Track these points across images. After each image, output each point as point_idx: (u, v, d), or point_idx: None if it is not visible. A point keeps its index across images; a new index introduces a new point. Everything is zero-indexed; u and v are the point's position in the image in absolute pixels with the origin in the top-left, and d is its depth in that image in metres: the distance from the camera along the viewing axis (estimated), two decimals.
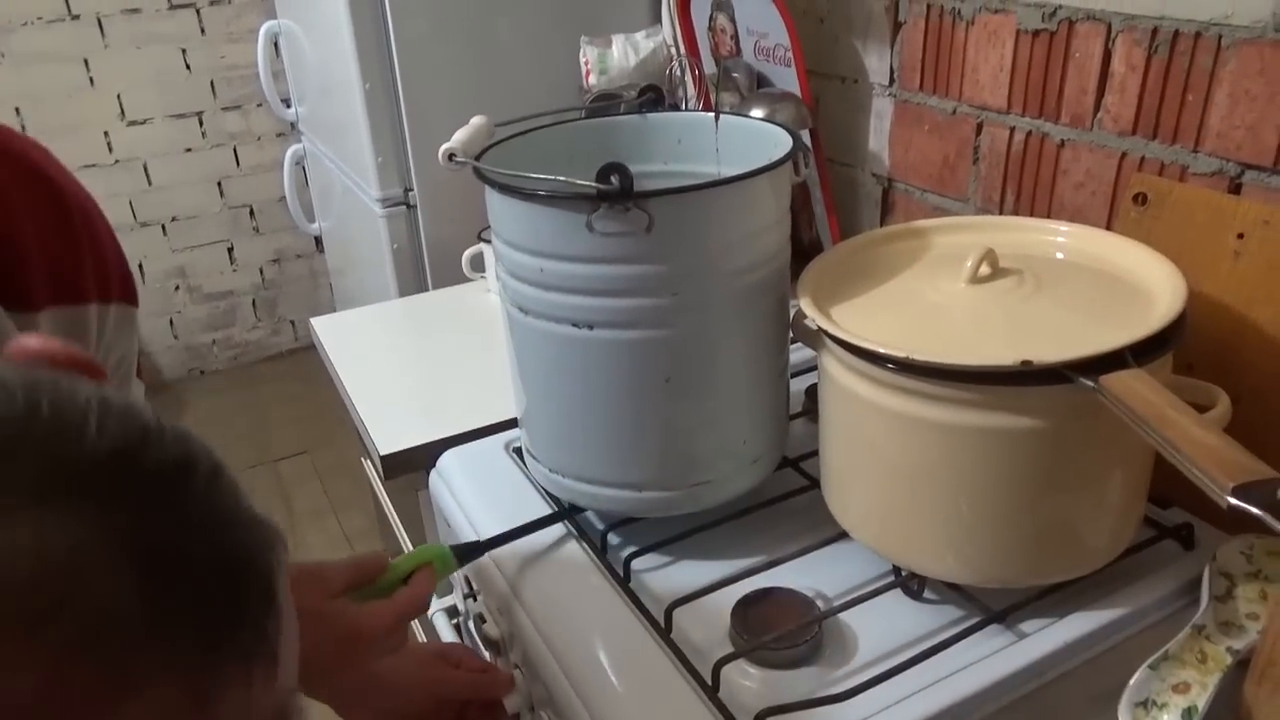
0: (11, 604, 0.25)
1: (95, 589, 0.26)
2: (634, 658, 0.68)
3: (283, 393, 2.95)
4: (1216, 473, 0.50)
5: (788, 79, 1.15)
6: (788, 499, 0.81)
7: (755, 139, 0.80)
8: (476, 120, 0.78)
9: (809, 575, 0.73)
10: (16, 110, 2.61)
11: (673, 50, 1.35)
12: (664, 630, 0.69)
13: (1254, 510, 0.49)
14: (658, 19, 1.46)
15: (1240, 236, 0.74)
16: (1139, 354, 0.58)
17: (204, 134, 2.84)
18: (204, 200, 2.91)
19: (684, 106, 1.28)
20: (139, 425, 0.30)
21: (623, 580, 0.75)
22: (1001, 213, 1.01)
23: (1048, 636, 0.66)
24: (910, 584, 0.71)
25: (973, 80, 1.00)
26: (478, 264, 1.33)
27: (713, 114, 0.84)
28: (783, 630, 0.67)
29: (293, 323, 3.16)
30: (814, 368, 0.74)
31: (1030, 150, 0.96)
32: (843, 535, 0.74)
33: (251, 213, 2.99)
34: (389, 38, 1.34)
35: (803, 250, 1.18)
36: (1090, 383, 0.57)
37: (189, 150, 2.84)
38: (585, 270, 0.68)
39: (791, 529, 0.78)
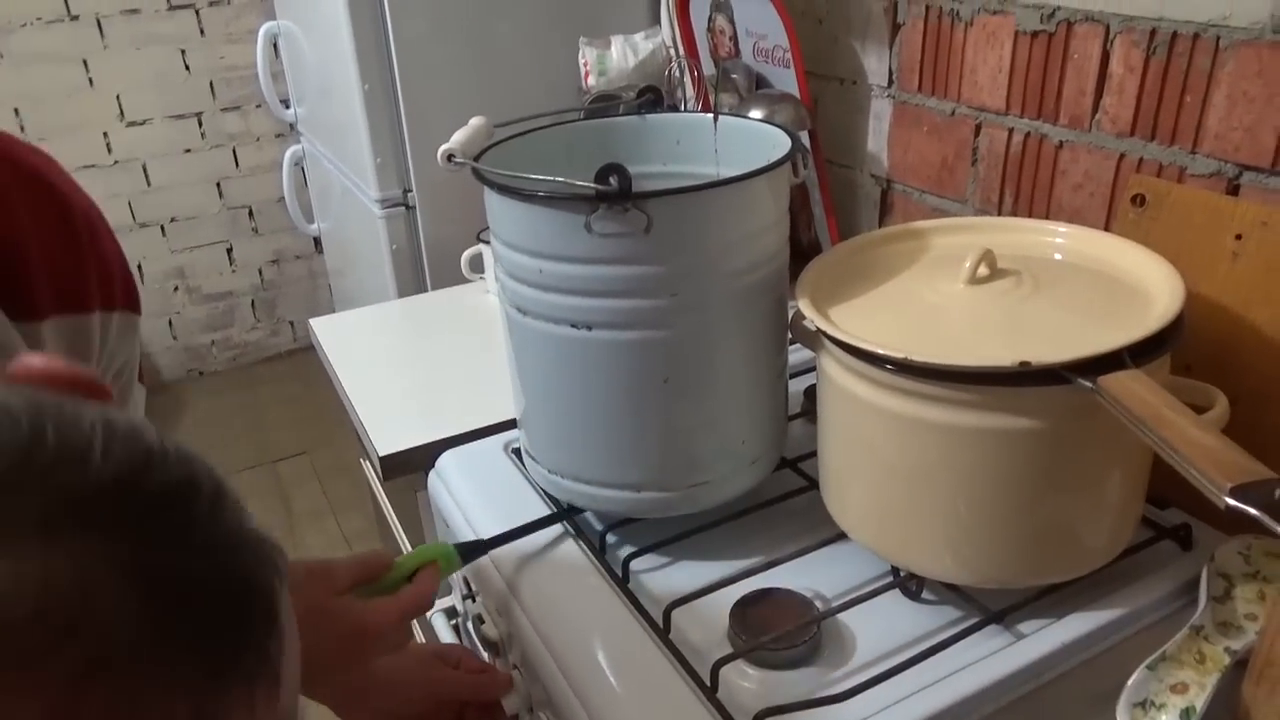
0: (18, 634, 0.25)
1: (101, 617, 0.27)
2: (632, 658, 0.68)
3: (282, 393, 2.95)
4: (1214, 473, 0.50)
5: (786, 80, 1.15)
6: (786, 500, 0.81)
7: (754, 140, 0.80)
8: (475, 121, 0.78)
9: (807, 576, 0.73)
10: (16, 111, 2.61)
11: (672, 51, 1.35)
12: (662, 631, 0.69)
13: (1252, 511, 0.49)
14: (657, 20, 1.46)
15: (1238, 238, 0.74)
16: (1137, 355, 0.58)
17: (203, 135, 2.84)
18: (203, 201, 2.91)
19: (683, 107, 1.28)
20: (143, 448, 0.30)
21: (621, 581, 0.75)
22: (1000, 214, 1.01)
23: (1046, 637, 0.66)
24: (909, 584, 0.71)
25: (971, 81, 1.00)
26: (477, 265, 1.33)
27: (711, 115, 0.84)
28: (781, 631, 0.67)
29: (292, 323, 3.16)
30: (813, 368, 0.74)
31: (1029, 151, 0.96)
32: (841, 536, 0.74)
33: (250, 213, 2.99)
34: (388, 39, 1.34)
35: (801, 251, 1.18)
36: (1088, 383, 0.57)
37: (188, 151, 2.84)
38: (584, 271, 0.68)
39: (790, 530, 0.78)
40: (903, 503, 0.67)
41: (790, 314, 0.76)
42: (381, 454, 0.97)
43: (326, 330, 1.26)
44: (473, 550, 0.76)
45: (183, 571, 0.29)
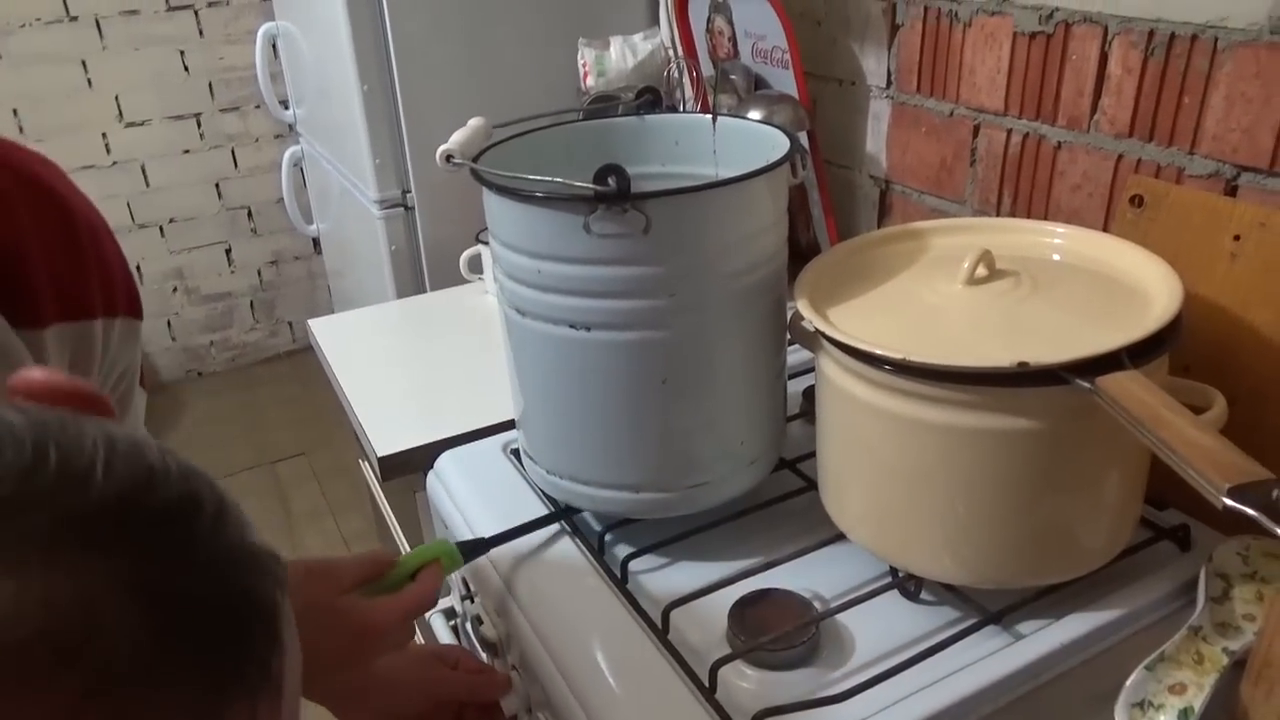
0: (23, 654, 0.25)
1: (104, 637, 0.27)
2: (631, 659, 0.68)
3: (280, 394, 2.95)
4: (1212, 474, 0.50)
5: (785, 81, 1.15)
6: (785, 500, 0.81)
7: (753, 141, 0.80)
8: (474, 122, 0.78)
9: (806, 576, 0.73)
10: (14, 112, 2.61)
11: (670, 52, 1.35)
12: (661, 631, 0.69)
13: (1249, 511, 0.49)
14: (655, 21, 1.46)
15: (1236, 238, 0.74)
16: (1135, 355, 0.58)
17: (202, 135, 2.84)
18: (202, 202, 2.91)
19: (681, 108, 1.28)
20: (145, 466, 0.30)
21: (620, 581, 0.75)
22: (998, 214, 1.02)
23: (1044, 637, 0.66)
24: (907, 585, 0.71)
25: (970, 82, 1.00)
26: (475, 266, 1.33)
27: (710, 116, 0.84)
28: (780, 631, 0.67)
29: (290, 324, 3.16)
30: (811, 369, 0.74)
31: (1027, 152, 0.96)
32: (840, 537, 0.74)
33: (249, 214, 2.99)
34: (387, 39, 1.34)
35: (800, 252, 1.18)
36: (1086, 384, 0.57)
37: (187, 152, 2.84)
38: (582, 272, 0.68)
39: (789, 530, 0.78)
40: (901, 503, 0.67)
41: (789, 315, 0.76)
42: (380, 455, 0.97)
43: (325, 331, 1.26)
44: (474, 548, 0.76)
45: (185, 589, 0.29)
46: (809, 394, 0.92)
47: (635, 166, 0.68)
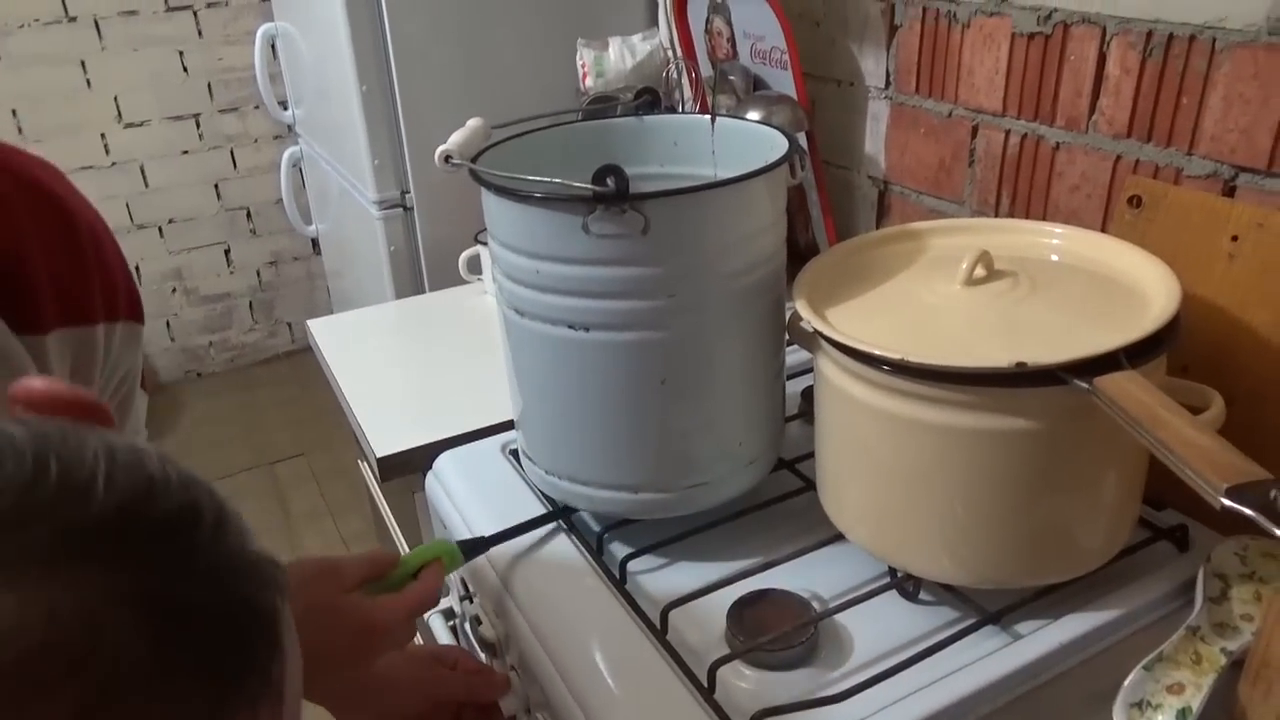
0: (26, 667, 0.26)
1: (106, 648, 0.27)
2: (630, 659, 0.68)
3: (279, 395, 2.95)
4: (1210, 474, 0.50)
5: (784, 82, 1.15)
6: (784, 501, 0.81)
7: (751, 141, 0.80)
8: (473, 122, 0.78)
9: (805, 577, 0.73)
10: (13, 112, 2.61)
11: (669, 53, 1.36)
12: (660, 632, 0.69)
13: (1247, 511, 0.49)
14: (654, 22, 1.46)
15: (1234, 239, 0.74)
16: (1133, 356, 0.58)
17: (201, 136, 2.84)
18: (201, 202, 2.91)
19: (680, 109, 1.28)
20: (145, 476, 0.30)
21: (618, 582, 0.75)
22: (997, 215, 1.02)
23: (1043, 638, 0.66)
24: (905, 585, 0.71)
25: (968, 83, 1.00)
26: (474, 266, 1.33)
27: (709, 116, 0.84)
28: (778, 632, 0.67)
29: (289, 325, 3.16)
30: (810, 369, 0.74)
31: (1025, 153, 0.96)
32: (838, 537, 0.74)
33: (248, 215, 2.99)
34: (386, 40, 1.34)
35: (799, 252, 1.18)
36: (1084, 384, 0.57)
37: (186, 152, 2.84)
38: (581, 272, 0.68)
39: (787, 531, 0.78)
40: (900, 503, 0.68)
41: (788, 315, 0.76)
42: (379, 455, 0.97)
43: (324, 332, 1.26)
44: (475, 547, 0.76)
45: (186, 599, 0.29)
46: (808, 394, 0.92)
47: (634, 167, 0.69)
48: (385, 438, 0.99)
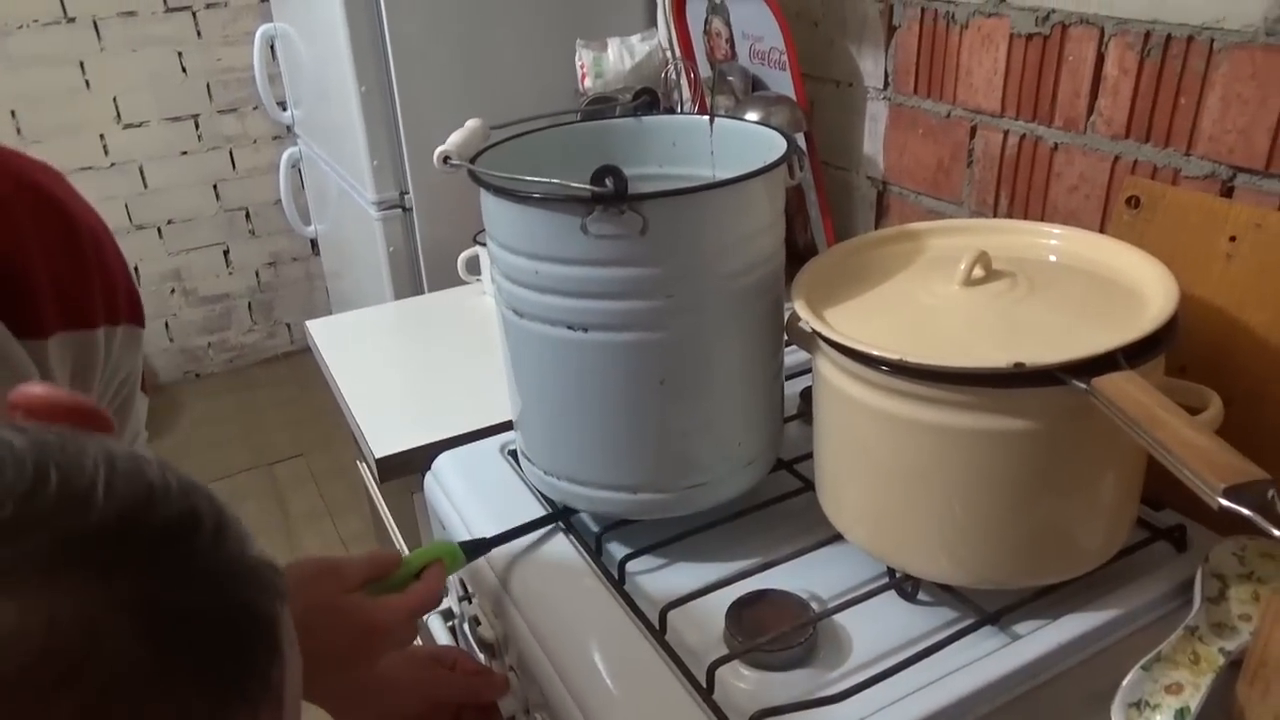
0: (26, 675, 0.26)
1: (106, 655, 0.27)
2: (629, 660, 0.68)
3: (278, 396, 2.95)
4: (1207, 474, 0.50)
5: (783, 82, 1.15)
6: (782, 501, 0.81)
7: (750, 142, 0.80)
8: (472, 123, 0.78)
9: (803, 577, 0.73)
10: (12, 113, 2.61)
11: (668, 54, 1.36)
12: (659, 632, 0.69)
13: (1245, 511, 0.49)
14: (653, 22, 1.46)
15: (1232, 239, 0.74)
16: (1131, 356, 0.58)
17: (200, 137, 2.84)
18: (200, 203, 2.91)
19: (679, 110, 1.28)
20: (145, 484, 0.30)
21: (617, 582, 0.75)
22: (995, 215, 1.02)
23: (1041, 638, 0.66)
24: (904, 586, 0.71)
25: (967, 84, 1.00)
26: (473, 267, 1.33)
27: (708, 117, 0.84)
28: (777, 632, 0.67)
29: (288, 326, 3.16)
30: (809, 370, 0.74)
31: (1024, 153, 0.96)
32: (837, 537, 0.74)
33: (247, 215, 2.99)
34: (384, 41, 1.34)
35: (798, 253, 1.18)
36: (1082, 384, 0.57)
37: (185, 153, 2.84)
38: (580, 273, 0.69)
39: (786, 531, 0.78)
40: (898, 504, 0.68)
41: (786, 315, 0.76)
42: (378, 456, 0.97)
43: (323, 332, 1.26)
44: (476, 548, 0.76)
45: (186, 606, 0.30)
46: (806, 395, 0.92)
47: (633, 168, 0.69)
48: (384, 438, 0.99)
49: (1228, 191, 0.78)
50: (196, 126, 2.83)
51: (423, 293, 1.47)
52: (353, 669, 0.64)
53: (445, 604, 0.94)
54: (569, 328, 0.71)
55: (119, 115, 2.73)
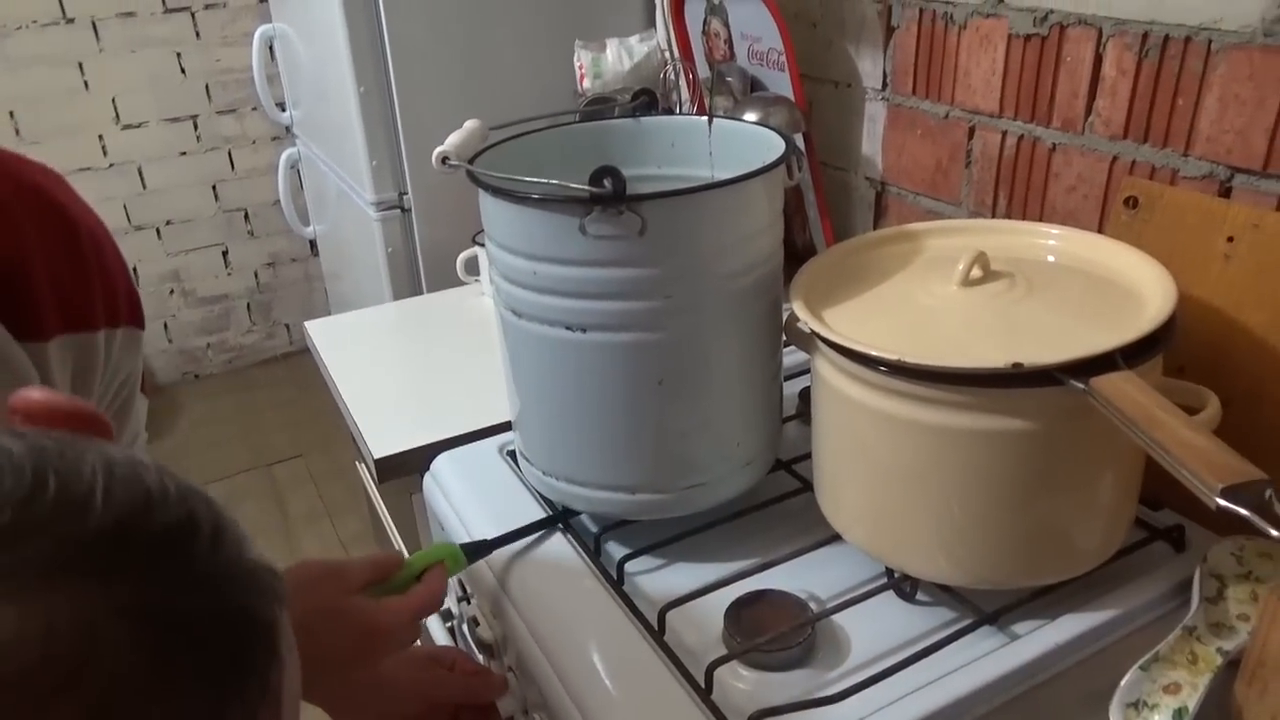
0: (25, 681, 0.26)
1: (105, 661, 0.27)
2: (627, 660, 0.68)
3: (277, 397, 2.95)
4: (1205, 474, 0.50)
5: (781, 83, 1.15)
6: (781, 501, 0.81)
7: (749, 143, 0.80)
8: (470, 124, 0.78)
9: (802, 577, 0.73)
10: (11, 114, 2.61)
11: (667, 54, 1.36)
12: (657, 633, 0.69)
13: (1242, 511, 0.49)
14: (652, 23, 1.46)
15: (1230, 240, 0.74)
16: (1129, 356, 0.58)
17: (199, 137, 2.84)
18: (199, 204, 2.91)
19: (678, 110, 1.28)
20: (143, 490, 0.31)
21: (616, 583, 0.75)
22: (994, 216, 1.02)
23: (1039, 638, 0.66)
24: (903, 586, 0.71)
25: (965, 84, 1.01)
26: (472, 267, 1.33)
27: (706, 118, 0.84)
28: (776, 632, 0.67)
29: (287, 326, 3.16)
30: (807, 370, 0.75)
31: (1022, 154, 0.96)
32: (835, 538, 0.74)
33: (246, 216, 2.99)
34: (383, 41, 1.34)
35: (796, 253, 1.18)
36: (1080, 385, 0.57)
37: (184, 154, 2.84)
38: (578, 273, 0.69)
39: (785, 531, 0.78)
40: (897, 504, 0.68)
41: (785, 316, 0.76)
42: (376, 457, 0.97)
43: (322, 333, 1.26)
44: (478, 550, 0.76)
45: (184, 611, 0.30)
46: (805, 395, 0.92)
47: (631, 168, 0.69)
48: (383, 439, 0.99)
49: (1225, 192, 0.79)
50: (195, 127, 2.83)
51: (421, 293, 1.47)
52: (355, 671, 0.64)
53: (445, 605, 0.94)
54: (567, 328, 0.71)
55: (118, 116, 2.73)
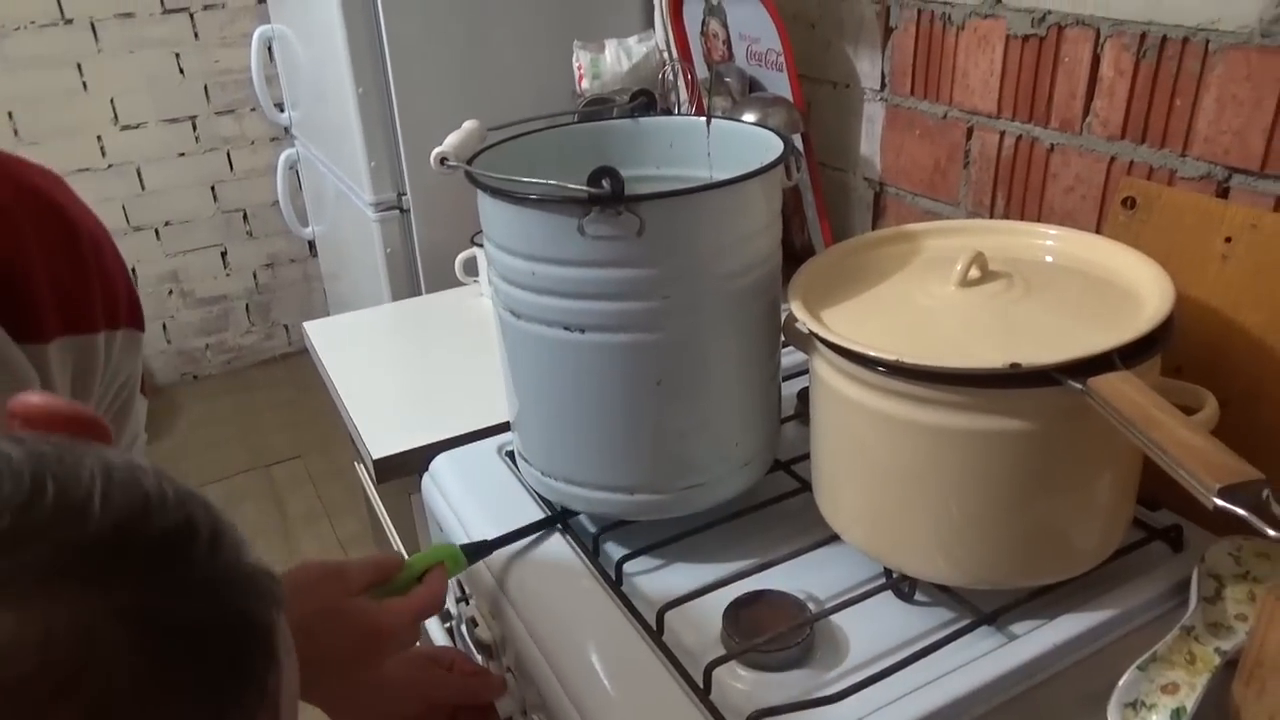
0: (23, 686, 0.26)
1: (103, 667, 0.27)
2: (626, 661, 0.68)
3: (276, 397, 2.95)
4: (1203, 474, 0.50)
5: (780, 84, 1.15)
6: (779, 502, 0.81)
7: (747, 143, 0.80)
8: (469, 124, 0.78)
9: (800, 578, 0.73)
10: (10, 115, 2.60)
11: (665, 55, 1.36)
12: (656, 633, 0.69)
13: (1240, 511, 0.49)
14: (650, 24, 1.46)
15: (1228, 240, 0.74)
16: (1127, 356, 0.58)
17: (197, 138, 2.84)
18: (197, 204, 2.91)
19: (676, 111, 1.28)
20: (141, 494, 0.31)
21: (615, 583, 0.75)
22: (992, 216, 1.02)
23: (1038, 638, 0.66)
24: (901, 586, 0.71)
25: (963, 85, 1.01)
26: (471, 268, 1.33)
27: (705, 118, 0.84)
28: (774, 633, 0.67)
29: (286, 327, 3.16)
30: (806, 371, 0.75)
31: (1020, 154, 0.97)
32: (834, 538, 0.74)
33: (245, 217, 2.99)
34: (382, 42, 1.35)
35: (795, 254, 1.18)
36: (1078, 385, 0.57)
37: (182, 155, 2.84)
38: (576, 274, 0.69)
39: (783, 532, 0.78)
40: (895, 504, 0.68)
41: (783, 316, 0.77)
42: (375, 457, 0.97)
43: (320, 334, 1.26)
44: (478, 551, 0.76)
45: (183, 616, 0.30)
46: (803, 396, 0.92)
47: (630, 169, 0.69)
48: (381, 440, 0.99)
49: (1223, 192, 0.79)
50: (194, 128, 2.83)
51: (420, 294, 1.47)
52: (356, 672, 0.64)
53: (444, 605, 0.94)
54: (566, 329, 0.71)
55: (116, 117, 2.73)
